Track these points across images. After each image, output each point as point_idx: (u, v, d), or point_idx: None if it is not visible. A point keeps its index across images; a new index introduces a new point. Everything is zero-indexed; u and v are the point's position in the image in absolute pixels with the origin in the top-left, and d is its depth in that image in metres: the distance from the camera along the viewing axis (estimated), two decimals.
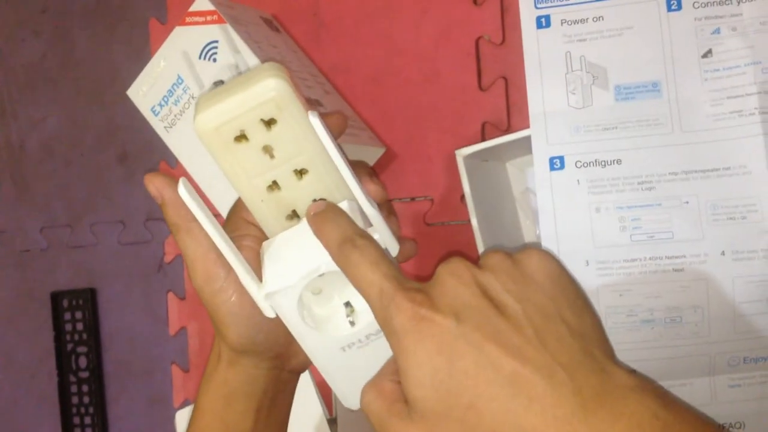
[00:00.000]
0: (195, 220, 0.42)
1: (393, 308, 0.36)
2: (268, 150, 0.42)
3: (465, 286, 0.37)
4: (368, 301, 0.38)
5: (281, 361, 0.47)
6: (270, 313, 0.43)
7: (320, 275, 0.42)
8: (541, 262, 0.38)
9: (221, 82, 0.39)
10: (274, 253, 0.44)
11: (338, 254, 0.40)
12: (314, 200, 0.43)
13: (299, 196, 0.44)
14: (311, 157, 0.42)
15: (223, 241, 0.42)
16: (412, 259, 0.66)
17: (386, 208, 0.46)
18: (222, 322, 0.45)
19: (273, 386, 0.47)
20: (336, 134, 0.45)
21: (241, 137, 0.41)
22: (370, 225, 0.42)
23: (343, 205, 0.43)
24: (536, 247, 0.40)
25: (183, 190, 0.41)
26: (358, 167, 0.45)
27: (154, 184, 0.44)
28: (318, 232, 0.41)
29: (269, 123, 0.41)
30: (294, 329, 0.43)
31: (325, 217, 0.41)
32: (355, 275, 0.39)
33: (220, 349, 0.47)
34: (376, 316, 0.38)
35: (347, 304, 0.43)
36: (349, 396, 0.44)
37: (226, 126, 0.41)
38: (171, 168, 0.71)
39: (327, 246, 0.41)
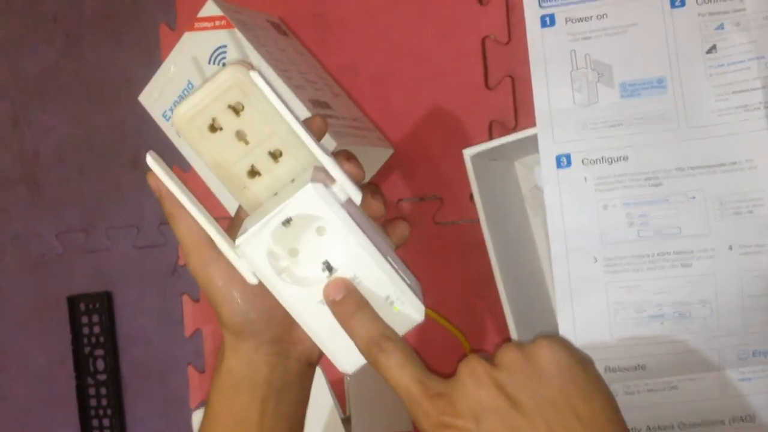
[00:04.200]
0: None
1: (420, 414, 0.42)
2: (241, 136, 0.45)
3: (484, 387, 0.42)
4: (399, 397, 0.43)
5: (283, 347, 0.48)
6: (251, 279, 0.45)
7: (286, 224, 0.43)
8: (551, 354, 0.43)
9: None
10: (247, 220, 0.46)
11: (366, 354, 0.44)
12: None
13: (278, 177, 0.46)
14: (282, 136, 0.45)
15: (197, 210, 0.45)
16: (425, 259, 0.67)
17: (369, 189, 0.48)
18: (216, 301, 0.47)
19: (279, 376, 0.48)
20: (317, 135, 0.47)
21: (215, 127, 0.45)
22: (334, 180, 0.44)
23: (308, 172, 0.44)
24: (547, 336, 0.44)
25: (150, 159, 0.44)
26: (337, 153, 0.47)
27: (154, 179, 0.46)
28: (343, 325, 0.44)
29: (237, 110, 0.44)
30: (269, 284, 0.44)
31: (348, 312, 0.44)
32: (384, 376, 0.44)
33: (224, 338, 0.49)
34: (407, 411, 0.43)
35: (326, 263, 0.45)
36: (339, 354, 0.46)
37: (198, 116, 0.44)
38: (184, 172, 0.72)
39: (355, 342, 0.44)
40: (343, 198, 0.44)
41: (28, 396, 0.86)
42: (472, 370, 0.43)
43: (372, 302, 0.44)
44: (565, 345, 0.44)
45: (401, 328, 0.45)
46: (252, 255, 0.44)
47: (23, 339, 0.86)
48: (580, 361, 0.43)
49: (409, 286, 0.45)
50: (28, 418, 0.86)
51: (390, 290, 0.44)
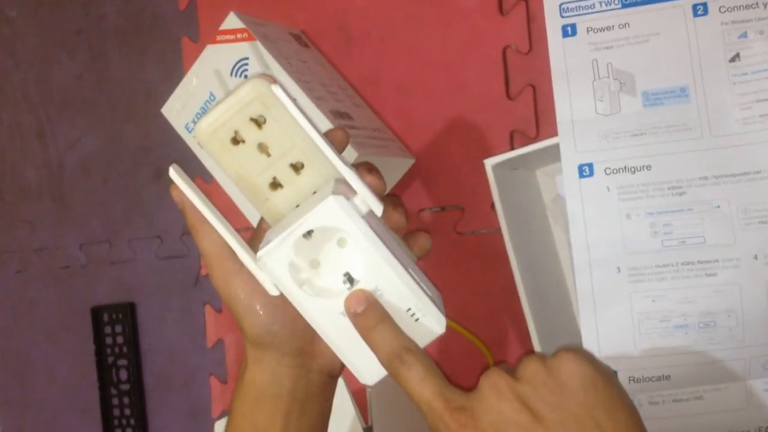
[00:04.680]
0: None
1: (442, 427, 0.42)
2: (263, 148, 0.45)
3: (505, 401, 0.41)
4: (420, 410, 0.43)
5: (305, 359, 0.49)
6: (273, 290, 0.45)
7: (307, 236, 0.43)
8: (575, 367, 0.42)
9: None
10: (269, 232, 0.47)
11: (388, 367, 0.44)
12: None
13: (300, 189, 0.46)
14: (304, 149, 0.45)
15: (219, 222, 0.45)
16: (446, 269, 0.67)
17: (390, 201, 0.48)
18: (238, 314, 0.48)
19: (302, 388, 0.49)
20: (339, 147, 0.48)
21: (237, 140, 0.45)
22: (355, 193, 0.44)
23: (330, 185, 0.45)
24: (570, 348, 0.44)
25: (173, 172, 0.45)
26: (358, 165, 0.48)
27: (177, 192, 0.46)
28: (364, 337, 0.44)
29: (259, 123, 0.45)
30: (290, 295, 0.45)
31: (369, 325, 0.44)
32: (405, 388, 0.43)
33: (246, 350, 0.49)
34: (428, 424, 0.43)
35: (347, 275, 0.45)
36: (360, 366, 0.46)
37: (221, 129, 0.45)
38: (206, 183, 0.72)
39: (376, 354, 0.44)
40: (364, 210, 0.44)
41: (52, 405, 0.87)
42: (493, 383, 0.42)
43: (393, 314, 0.44)
44: (588, 358, 0.43)
45: (422, 340, 0.45)
46: (273, 267, 0.44)
47: (47, 349, 0.87)
48: (603, 374, 0.43)
49: (431, 297, 0.45)
50: (52, 428, 0.87)
51: (411, 302, 0.44)
